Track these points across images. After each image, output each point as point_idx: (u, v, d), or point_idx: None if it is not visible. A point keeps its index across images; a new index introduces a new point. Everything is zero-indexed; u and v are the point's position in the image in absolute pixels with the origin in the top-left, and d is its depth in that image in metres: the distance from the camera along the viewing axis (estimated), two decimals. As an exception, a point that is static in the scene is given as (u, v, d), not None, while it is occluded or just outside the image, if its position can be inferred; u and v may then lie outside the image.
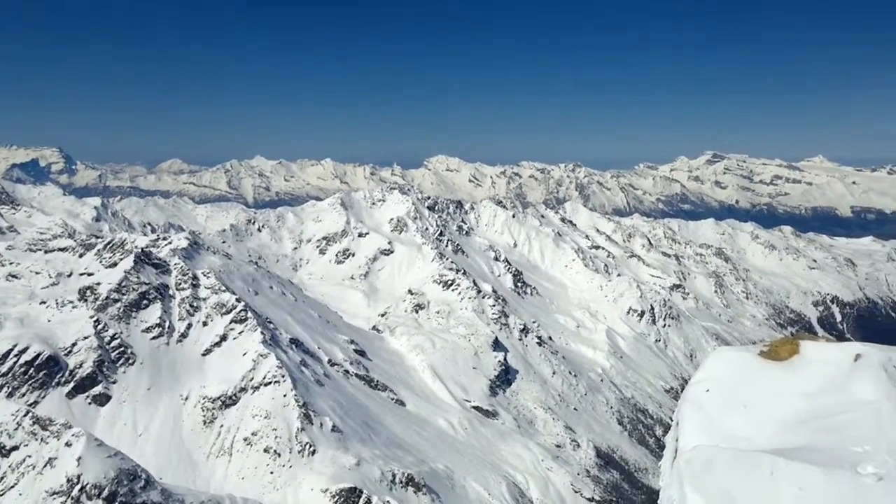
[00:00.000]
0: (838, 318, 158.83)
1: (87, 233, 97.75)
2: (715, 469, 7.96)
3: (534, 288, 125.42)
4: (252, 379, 64.01)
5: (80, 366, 62.43)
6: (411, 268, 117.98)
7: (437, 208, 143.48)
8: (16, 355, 60.33)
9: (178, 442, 59.72)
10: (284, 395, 61.59)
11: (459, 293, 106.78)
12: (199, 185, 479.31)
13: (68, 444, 43.16)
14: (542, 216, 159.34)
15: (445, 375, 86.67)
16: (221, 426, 60.79)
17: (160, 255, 79.32)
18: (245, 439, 58.74)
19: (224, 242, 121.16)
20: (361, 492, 52.44)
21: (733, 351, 10.76)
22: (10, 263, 79.23)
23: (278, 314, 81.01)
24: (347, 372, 76.75)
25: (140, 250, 77.12)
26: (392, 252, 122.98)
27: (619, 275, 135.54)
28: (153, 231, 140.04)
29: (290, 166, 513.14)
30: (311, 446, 57.30)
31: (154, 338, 69.23)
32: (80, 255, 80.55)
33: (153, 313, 71.01)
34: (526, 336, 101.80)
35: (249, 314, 72.22)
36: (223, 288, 76.09)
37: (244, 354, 67.10)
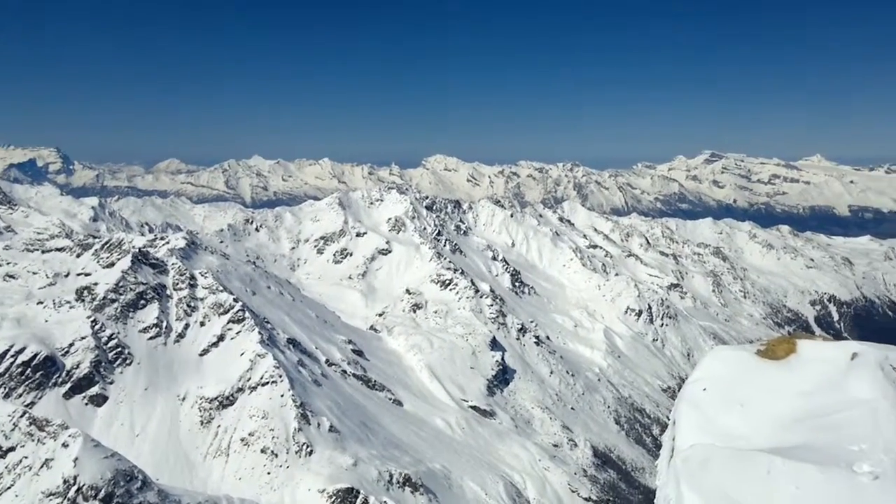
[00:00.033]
0: (835, 316, 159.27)
1: (85, 233, 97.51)
2: (711, 468, 7.94)
3: (531, 287, 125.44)
4: (249, 379, 63.89)
5: (77, 366, 62.25)
6: (409, 267, 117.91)
7: (435, 208, 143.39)
8: (13, 355, 60.15)
9: (175, 442, 59.58)
10: (282, 396, 61.48)
11: (457, 293, 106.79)
12: (196, 184, 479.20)
13: (65, 445, 42.99)
14: (540, 216, 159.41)
15: (443, 375, 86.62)
16: (219, 426, 60.65)
17: (157, 255, 79.17)
18: (242, 440, 58.61)
19: (222, 242, 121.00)
20: (358, 492, 52.35)
21: (730, 350, 10.76)
22: (7, 263, 78.95)
23: (276, 314, 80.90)
24: (345, 372, 76.68)
25: (137, 250, 76.95)
26: (390, 252, 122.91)
27: (616, 274, 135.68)
28: (151, 231, 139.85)
29: (287, 166, 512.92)
30: (308, 446, 57.21)
31: (151, 338, 69.06)
32: (78, 255, 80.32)
33: (150, 313, 70.85)
34: (524, 336, 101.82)
35: (247, 314, 72.09)
36: (221, 288, 75.96)
37: (241, 354, 66.96)
